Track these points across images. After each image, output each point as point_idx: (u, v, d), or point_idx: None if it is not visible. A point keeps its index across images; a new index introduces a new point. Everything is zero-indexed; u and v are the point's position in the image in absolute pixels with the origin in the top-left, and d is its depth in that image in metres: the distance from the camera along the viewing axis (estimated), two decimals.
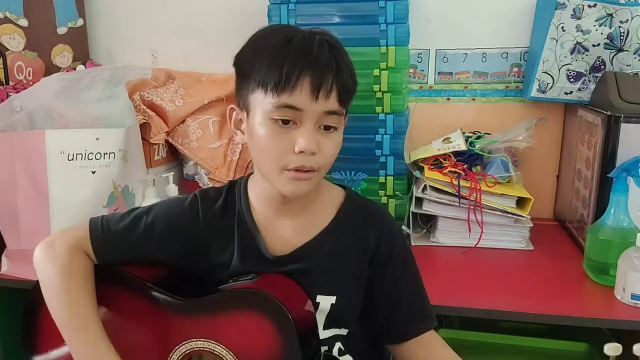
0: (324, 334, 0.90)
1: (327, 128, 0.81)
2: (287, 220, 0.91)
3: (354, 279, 0.91)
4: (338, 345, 0.91)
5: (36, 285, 0.92)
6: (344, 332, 0.91)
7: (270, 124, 0.79)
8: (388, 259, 0.91)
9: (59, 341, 0.89)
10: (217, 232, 0.93)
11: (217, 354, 0.87)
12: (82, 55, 1.81)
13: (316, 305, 0.89)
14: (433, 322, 0.92)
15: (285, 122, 0.79)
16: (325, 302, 0.89)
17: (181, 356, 0.89)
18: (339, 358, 0.91)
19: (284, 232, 0.91)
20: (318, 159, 0.81)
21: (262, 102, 0.80)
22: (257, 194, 0.92)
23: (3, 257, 1.34)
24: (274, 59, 0.78)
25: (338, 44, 0.83)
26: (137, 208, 0.97)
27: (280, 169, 0.81)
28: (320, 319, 0.89)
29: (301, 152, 0.79)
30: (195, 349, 0.88)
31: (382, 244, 0.91)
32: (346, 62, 0.82)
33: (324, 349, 0.90)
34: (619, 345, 0.92)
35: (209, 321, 0.88)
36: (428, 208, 1.43)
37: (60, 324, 0.87)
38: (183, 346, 0.89)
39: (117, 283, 0.93)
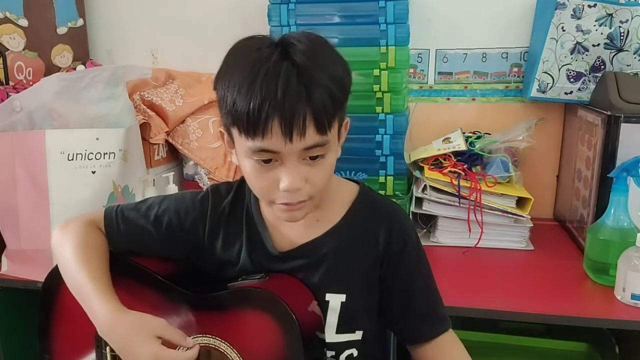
0: (335, 337, 0.88)
1: (314, 158, 0.77)
2: None
3: (364, 278, 0.90)
4: (350, 352, 0.90)
5: (50, 273, 0.96)
6: (358, 335, 0.90)
7: (252, 161, 0.77)
8: (399, 259, 0.89)
9: (73, 326, 0.92)
10: (224, 228, 0.93)
11: (222, 351, 0.87)
12: (82, 55, 1.81)
13: (326, 303, 0.88)
14: (448, 324, 0.91)
15: (267, 161, 0.76)
16: (335, 300, 0.88)
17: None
18: None
19: (292, 229, 0.90)
20: (307, 190, 0.78)
21: (239, 140, 0.77)
22: None
23: (3, 257, 1.34)
24: (241, 98, 0.73)
25: (311, 58, 0.74)
26: (152, 198, 0.98)
27: (269, 202, 0.81)
28: (332, 320, 0.88)
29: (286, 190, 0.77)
30: (201, 345, 0.89)
31: (393, 243, 0.89)
32: (320, 80, 0.73)
33: (331, 353, 0.89)
34: None
35: (216, 318, 0.88)
36: (428, 208, 1.43)
37: (77, 290, 0.88)
38: None
39: (128, 274, 0.94)
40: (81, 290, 0.87)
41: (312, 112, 0.73)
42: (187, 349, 0.83)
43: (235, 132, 0.77)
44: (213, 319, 0.88)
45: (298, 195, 0.78)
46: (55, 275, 0.95)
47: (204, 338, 0.89)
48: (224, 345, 0.87)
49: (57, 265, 0.94)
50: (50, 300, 0.97)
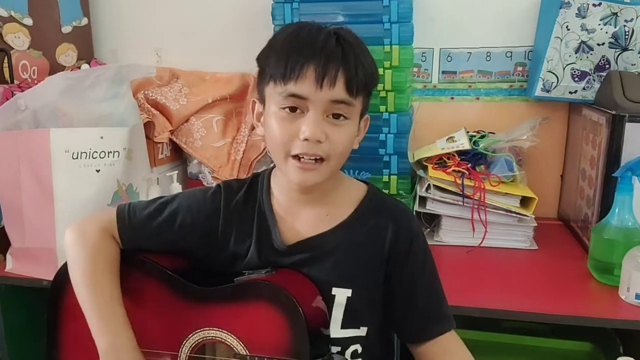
0: (340, 333, 0.90)
1: (337, 117, 0.83)
2: (306, 211, 0.93)
3: (370, 274, 0.91)
4: (354, 347, 0.91)
5: (60, 270, 0.98)
6: (362, 331, 0.91)
7: (280, 113, 0.83)
8: (405, 258, 0.90)
9: (81, 322, 0.93)
10: (237, 223, 0.94)
11: (229, 344, 0.88)
12: (87, 54, 1.82)
13: (332, 297, 0.89)
14: (451, 324, 0.92)
15: (293, 109, 0.82)
16: (341, 295, 0.89)
17: (193, 344, 0.91)
18: None
19: (301, 222, 0.92)
20: (325, 148, 0.82)
21: (272, 93, 0.84)
22: (279, 185, 0.94)
23: (8, 255, 1.35)
24: (282, 52, 0.82)
25: (351, 38, 0.84)
26: (164, 196, 1.00)
27: (286, 155, 0.84)
28: (338, 314, 0.89)
29: (306, 139, 0.81)
30: (207, 338, 0.90)
31: (400, 242, 0.90)
32: (356, 53, 0.83)
33: (336, 349, 0.90)
34: (632, 359, 0.91)
35: (222, 311, 0.89)
36: (432, 207, 1.43)
37: (83, 303, 0.90)
38: (196, 334, 0.91)
39: (138, 268, 0.95)
40: (88, 309, 0.89)
41: (344, 70, 0.81)
42: None
43: (270, 86, 0.84)
44: (219, 311, 0.89)
45: (316, 148, 0.81)
46: (64, 272, 0.96)
47: (210, 331, 0.89)
48: (230, 337, 0.88)
49: (66, 262, 0.96)
50: (59, 296, 0.98)
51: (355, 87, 0.82)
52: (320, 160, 0.83)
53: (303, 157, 0.82)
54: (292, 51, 0.81)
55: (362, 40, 0.87)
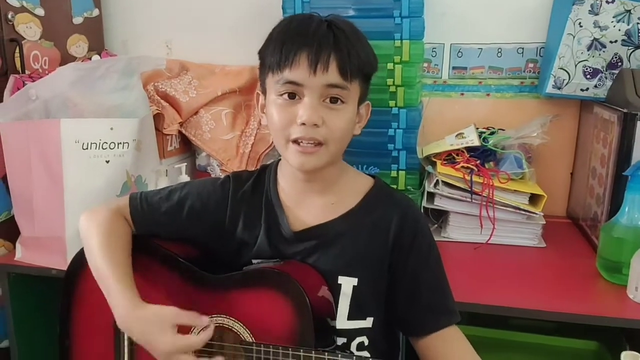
0: (347, 324, 0.91)
1: (334, 101, 0.84)
2: (312, 199, 0.94)
3: (375, 263, 0.92)
4: (360, 339, 0.92)
5: (73, 260, 1.00)
6: (369, 322, 0.92)
7: (278, 100, 0.86)
8: (410, 249, 0.91)
9: (93, 313, 0.95)
10: (244, 211, 0.97)
11: (235, 330, 0.90)
12: (97, 46, 1.82)
13: (338, 287, 0.90)
14: (454, 318, 0.92)
15: (291, 96, 0.85)
16: (347, 284, 0.90)
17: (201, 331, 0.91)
18: (354, 352, 0.91)
19: (307, 211, 0.94)
20: (323, 132, 0.84)
21: (271, 82, 0.87)
22: (285, 175, 0.96)
23: (17, 244, 1.36)
24: (277, 42, 0.85)
25: (344, 25, 0.86)
26: (175, 184, 1.03)
27: (286, 140, 0.86)
28: (344, 305, 0.90)
29: (303, 123, 0.83)
30: (215, 324, 0.90)
31: (405, 233, 0.92)
32: (348, 38, 0.84)
33: (342, 340, 0.91)
34: (637, 353, 0.91)
35: (230, 298, 0.91)
36: (440, 203, 1.42)
37: (100, 279, 0.92)
38: None
39: (149, 255, 0.97)
40: (103, 280, 0.91)
41: (336, 54, 0.83)
42: (202, 329, 0.88)
43: (269, 77, 0.87)
44: (227, 299, 0.91)
45: (314, 132, 0.83)
46: (77, 262, 0.98)
47: (218, 318, 0.91)
48: (237, 325, 0.89)
49: (79, 252, 0.98)
50: (72, 286, 1.00)
51: (348, 71, 0.83)
52: (319, 144, 0.85)
53: (302, 142, 0.84)
54: (286, 40, 0.84)
55: (357, 28, 0.89)
